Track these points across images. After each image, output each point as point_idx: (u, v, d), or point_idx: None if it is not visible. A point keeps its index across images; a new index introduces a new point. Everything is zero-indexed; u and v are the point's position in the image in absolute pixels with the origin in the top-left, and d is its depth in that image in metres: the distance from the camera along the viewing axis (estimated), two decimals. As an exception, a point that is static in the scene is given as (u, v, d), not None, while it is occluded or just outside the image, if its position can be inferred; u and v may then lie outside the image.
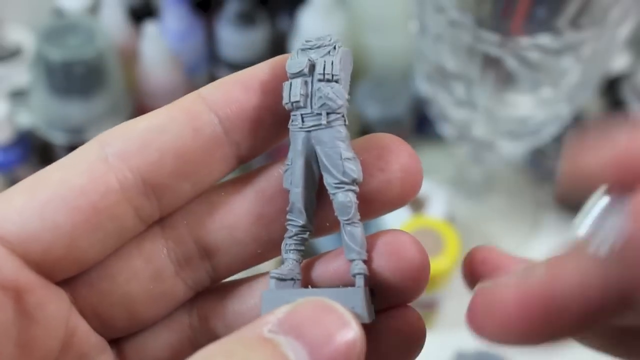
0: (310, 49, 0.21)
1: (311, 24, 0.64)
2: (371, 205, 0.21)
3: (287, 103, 0.21)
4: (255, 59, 0.70)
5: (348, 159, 0.20)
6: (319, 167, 0.21)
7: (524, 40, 0.46)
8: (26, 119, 0.66)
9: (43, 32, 0.59)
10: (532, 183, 0.74)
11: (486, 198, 0.71)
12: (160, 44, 0.63)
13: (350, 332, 0.17)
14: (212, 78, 0.74)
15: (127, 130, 0.20)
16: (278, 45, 0.71)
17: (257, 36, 0.69)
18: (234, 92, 0.21)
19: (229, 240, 0.22)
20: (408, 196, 0.21)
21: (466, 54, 0.49)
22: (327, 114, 0.21)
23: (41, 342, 0.19)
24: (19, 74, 0.68)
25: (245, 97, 0.21)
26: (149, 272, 0.21)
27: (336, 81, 0.21)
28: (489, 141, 0.58)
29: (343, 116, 0.21)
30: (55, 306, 0.20)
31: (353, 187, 0.20)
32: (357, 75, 0.69)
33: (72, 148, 0.71)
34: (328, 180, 0.21)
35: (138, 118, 0.21)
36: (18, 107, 0.66)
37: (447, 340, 0.59)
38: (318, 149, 0.21)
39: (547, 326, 0.17)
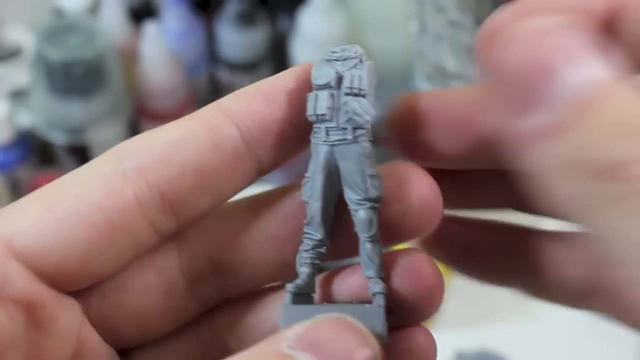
0: (336, 60, 0.21)
1: (311, 24, 0.64)
2: (386, 234, 0.20)
3: (311, 115, 0.20)
4: (255, 59, 0.70)
5: (372, 175, 0.20)
6: (340, 181, 0.21)
7: (524, 40, 0.46)
8: (26, 119, 0.66)
9: (43, 32, 0.60)
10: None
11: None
12: (160, 44, 0.63)
13: (369, 351, 0.17)
14: (212, 78, 0.74)
15: (146, 143, 0.20)
16: (278, 45, 0.71)
17: (257, 36, 0.69)
18: (256, 104, 0.21)
19: (241, 259, 0.21)
20: (425, 229, 0.20)
21: (466, 54, 0.49)
22: (354, 129, 0.20)
23: (52, 354, 0.19)
24: (19, 74, 0.68)
25: (267, 109, 0.21)
26: (161, 287, 0.21)
27: (363, 96, 0.20)
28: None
29: (368, 132, 0.20)
30: (67, 318, 0.20)
31: (375, 205, 0.20)
32: (357, 75, 0.69)
33: (72, 148, 0.70)
34: (350, 196, 0.20)
35: (157, 129, 0.20)
36: (18, 107, 0.66)
37: (447, 340, 0.59)
38: (341, 164, 0.20)
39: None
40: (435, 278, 0.20)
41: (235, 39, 0.68)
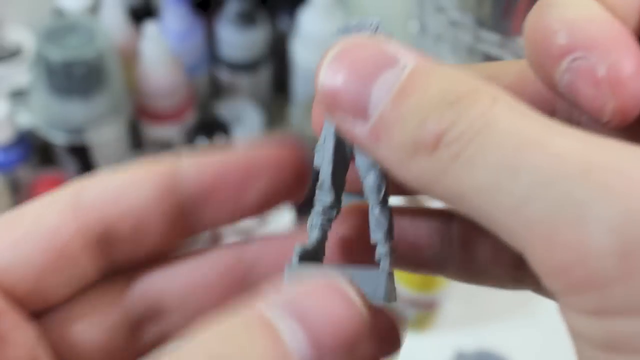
0: (350, 31, 0.21)
1: (311, 24, 0.64)
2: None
3: None
4: (255, 59, 0.70)
5: None
6: (351, 148, 0.21)
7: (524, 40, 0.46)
8: (26, 119, 0.66)
9: (43, 32, 0.60)
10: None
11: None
12: (160, 44, 0.63)
13: (357, 323, 0.17)
14: (212, 78, 0.74)
15: (103, 182, 0.21)
16: (278, 45, 0.71)
17: (257, 36, 0.69)
18: (211, 169, 0.21)
19: (178, 303, 0.22)
20: None
21: (466, 54, 0.49)
22: None
23: None
24: (19, 74, 0.68)
25: (219, 177, 0.21)
26: (105, 325, 0.22)
27: None
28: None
29: None
30: (22, 336, 0.20)
31: (385, 170, 0.20)
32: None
33: (72, 148, 0.70)
34: (360, 162, 0.21)
35: (118, 172, 0.21)
36: (18, 107, 0.66)
37: (447, 340, 0.59)
38: None
39: None
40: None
41: (235, 39, 0.68)
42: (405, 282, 0.57)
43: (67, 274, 0.21)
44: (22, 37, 0.70)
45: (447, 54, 0.51)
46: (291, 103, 0.73)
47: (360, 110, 0.17)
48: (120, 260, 0.22)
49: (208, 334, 0.16)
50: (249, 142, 0.22)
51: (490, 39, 0.47)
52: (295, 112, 0.73)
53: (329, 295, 0.17)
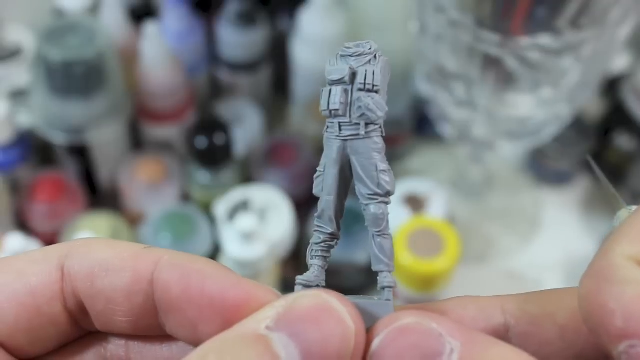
0: (350, 56, 0.21)
1: (311, 24, 0.64)
2: None
3: (325, 110, 0.21)
4: (255, 59, 0.70)
5: (383, 171, 0.20)
6: (351, 176, 0.21)
7: (524, 40, 0.46)
8: (26, 119, 0.66)
9: (43, 32, 0.59)
10: (532, 183, 0.74)
11: (486, 198, 0.71)
12: (160, 44, 0.63)
13: (347, 337, 0.17)
14: (212, 78, 0.74)
15: (90, 252, 0.21)
16: (278, 45, 0.71)
17: (257, 36, 0.69)
18: (180, 274, 0.20)
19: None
20: None
21: (466, 54, 0.49)
22: (366, 124, 0.20)
23: None
24: (19, 74, 0.68)
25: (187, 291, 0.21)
26: None
27: (377, 92, 0.20)
28: (489, 141, 0.58)
29: (380, 127, 0.21)
30: None
31: (386, 200, 0.21)
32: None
33: (72, 148, 0.70)
34: (362, 191, 0.21)
35: (107, 243, 0.21)
36: (18, 107, 0.66)
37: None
38: (353, 159, 0.21)
39: None
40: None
41: (235, 39, 0.68)
42: (405, 282, 0.57)
43: (42, 332, 0.21)
44: (22, 37, 0.70)
45: (447, 54, 0.51)
46: (291, 103, 0.73)
47: None
48: (105, 327, 0.22)
49: (206, 349, 0.17)
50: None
51: (490, 39, 0.47)
52: (295, 112, 0.73)
53: (322, 312, 0.17)
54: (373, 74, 0.20)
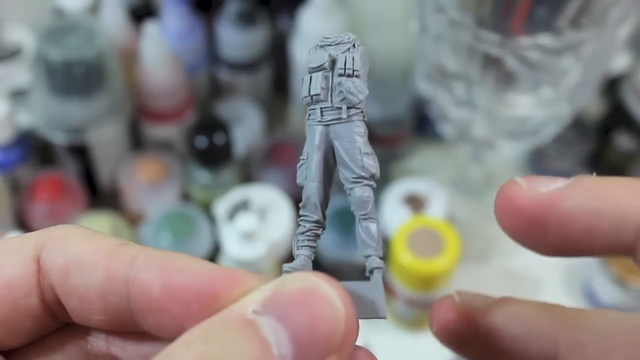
0: (329, 45, 0.21)
1: (311, 24, 0.64)
2: None
3: (306, 97, 0.21)
4: (255, 59, 0.70)
5: (367, 153, 0.20)
6: (334, 162, 0.21)
7: (524, 40, 0.46)
8: (26, 119, 0.66)
9: (43, 32, 0.59)
10: (532, 183, 0.74)
11: (486, 198, 0.71)
12: (160, 44, 0.63)
13: (337, 319, 0.17)
14: (212, 78, 0.74)
15: (65, 245, 0.21)
16: (278, 45, 0.71)
17: (257, 36, 0.69)
18: (162, 269, 0.20)
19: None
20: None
21: (466, 54, 0.49)
22: (348, 108, 0.20)
23: None
24: (19, 74, 0.68)
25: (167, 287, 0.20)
26: None
27: (357, 76, 0.21)
28: (489, 141, 0.58)
29: (362, 112, 0.21)
30: None
31: (371, 182, 0.20)
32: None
33: (72, 148, 0.70)
34: (346, 175, 0.20)
35: (84, 237, 0.21)
36: (18, 107, 0.66)
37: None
38: (336, 143, 0.21)
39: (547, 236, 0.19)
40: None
41: (235, 39, 0.68)
42: (405, 282, 0.57)
43: (19, 324, 0.20)
44: (22, 37, 0.70)
45: (447, 54, 0.51)
46: (291, 103, 0.73)
47: None
48: (81, 321, 0.21)
49: (193, 335, 0.17)
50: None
51: (490, 39, 0.47)
52: (295, 112, 0.73)
53: (310, 294, 0.17)
54: (353, 59, 0.21)
